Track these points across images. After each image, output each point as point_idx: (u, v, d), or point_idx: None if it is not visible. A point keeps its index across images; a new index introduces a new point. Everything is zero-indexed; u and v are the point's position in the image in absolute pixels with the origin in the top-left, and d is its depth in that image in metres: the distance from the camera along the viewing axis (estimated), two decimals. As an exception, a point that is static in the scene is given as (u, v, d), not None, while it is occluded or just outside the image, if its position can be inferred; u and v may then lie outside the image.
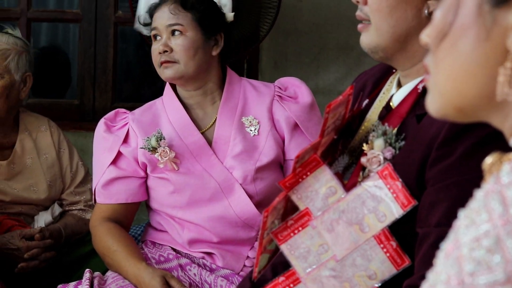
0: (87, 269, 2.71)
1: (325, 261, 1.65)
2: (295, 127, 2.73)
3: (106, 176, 2.74)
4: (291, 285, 1.70)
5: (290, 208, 1.74)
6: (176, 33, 2.66)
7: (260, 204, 2.65)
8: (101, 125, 2.80)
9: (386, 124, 1.70)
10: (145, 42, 3.86)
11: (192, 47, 2.67)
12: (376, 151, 1.67)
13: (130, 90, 5.28)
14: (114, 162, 2.74)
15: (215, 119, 2.74)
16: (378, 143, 1.67)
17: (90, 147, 4.36)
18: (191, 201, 2.68)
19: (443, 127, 1.52)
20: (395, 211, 1.59)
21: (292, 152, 2.69)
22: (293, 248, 1.68)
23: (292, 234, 1.68)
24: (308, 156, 1.71)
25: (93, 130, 4.36)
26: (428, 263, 1.48)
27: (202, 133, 2.73)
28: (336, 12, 4.57)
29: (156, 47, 2.68)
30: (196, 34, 2.68)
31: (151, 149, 2.65)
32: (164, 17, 2.67)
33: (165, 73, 2.67)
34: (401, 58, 1.74)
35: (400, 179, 1.58)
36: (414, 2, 1.67)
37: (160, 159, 2.65)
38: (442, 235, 1.44)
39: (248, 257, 2.70)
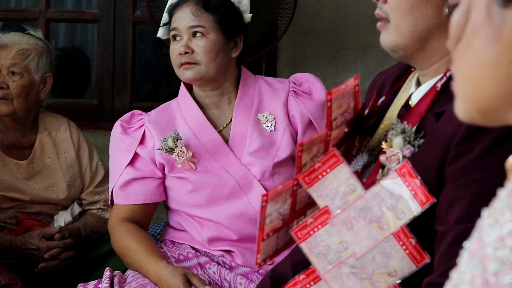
0: (107, 268, 2.71)
1: (345, 259, 1.65)
2: (309, 123, 2.73)
3: (123, 177, 2.75)
4: (312, 283, 1.70)
5: (302, 201, 1.74)
6: (198, 34, 2.66)
7: None
8: (117, 127, 2.80)
9: (405, 122, 1.70)
10: (164, 44, 3.86)
11: (213, 49, 2.66)
12: (395, 149, 1.67)
13: (148, 90, 5.29)
14: (131, 163, 2.74)
15: (231, 119, 2.74)
16: (397, 141, 1.67)
17: (109, 146, 4.39)
18: (210, 199, 2.68)
19: (461, 125, 1.52)
20: (414, 209, 1.59)
21: None
22: (312, 246, 1.68)
23: (311, 232, 1.69)
24: (316, 148, 1.71)
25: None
26: (447, 260, 1.48)
27: (219, 132, 2.74)
28: (355, 11, 4.56)
29: (175, 48, 2.67)
30: (218, 37, 2.68)
31: (168, 149, 2.65)
32: (186, 18, 2.67)
33: (185, 74, 2.66)
34: (421, 57, 1.73)
35: (419, 177, 1.58)
36: (435, 0, 1.66)
37: (177, 159, 2.65)
38: (461, 233, 1.46)
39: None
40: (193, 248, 2.75)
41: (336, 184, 1.67)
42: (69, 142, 3.47)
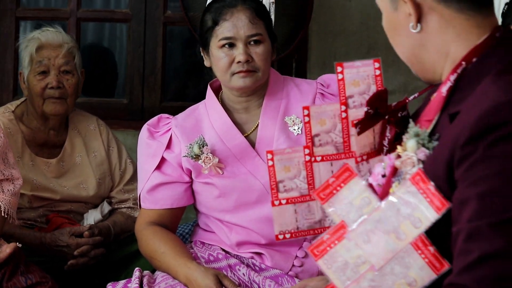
0: (137, 268, 2.71)
1: (363, 273, 1.65)
2: None
3: (151, 182, 2.75)
4: None
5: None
6: (254, 42, 2.64)
7: None
8: (144, 131, 2.80)
9: (418, 125, 1.70)
10: (193, 44, 3.86)
11: (268, 56, 2.68)
12: (410, 153, 1.67)
13: (177, 89, 5.30)
14: (158, 167, 2.74)
15: (258, 123, 2.73)
16: (411, 144, 1.67)
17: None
18: (237, 204, 2.68)
19: (466, 126, 1.54)
20: (430, 216, 1.58)
21: None
22: (330, 263, 1.68)
23: (328, 248, 1.68)
24: (331, 122, 1.76)
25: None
26: (462, 258, 1.49)
27: (246, 136, 2.72)
28: (385, 11, 4.54)
29: (228, 55, 2.63)
30: (268, 42, 2.68)
31: (194, 156, 2.65)
32: (243, 27, 2.63)
33: (242, 82, 2.64)
34: (427, 75, 1.75)
35: (432, 183, 1.58)
36: (402, 24, 1.72)
37: (204, 165, 2.65)
38: (473, 230, 1.48)
39: (296, 256, 2.68)
40: (223, 250, 2.75)
41: (350, 197, 1.67)
42: (98, 140, 3.48)
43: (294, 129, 2.71)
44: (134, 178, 3.50)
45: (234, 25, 2.63)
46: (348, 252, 1.66)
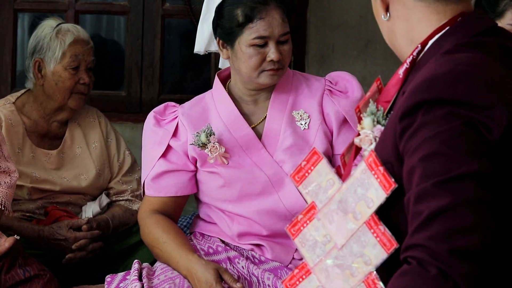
0: (136, 260, 2.71)
1: (329, 251, 1.73)
2: (344, 122, 2.72)
3: (156, 170, 2.74)
4: (304, 277, 1.80)
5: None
6: (283, 40, 2.65)
7: None
8: (150, 118, 2.79)
9: (375, 104, 1.77)
10: (191, 36, 3.84)
11: (291, 52, 2.70)
12: (367, 130, 1.74)
13: (176, 82, 5.30)
14: (163, 155, 2.73)
15: (266, 115, 2.74)
16: (367, 122, 1.75)
17: (137, 138, 4.40)
18: (241, 195, 2.68)
19: (404, 101, 1.62)
20: (380, 195, 1.65)
21: (340, 146, 2.68)
22: (303, 241, 1.79)
23: (301, 228, 1.80)
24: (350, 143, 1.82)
25: (140, 122, 4.40)
26: (414, 220, 1.54)
27: (253, 128, 2.73)
28: (384, 4, 4.53)
29: (260, 53, 2.62)
30: (290, 39, 2.70)
31: (201, 145, 2.65)
32: (278, 26, 2.63)
33: (272, 79, 2.65)
34: (401, 58, 1.83)
35: (382, 164, 1.65)
36: (378, 12, 1.85)
37: (210, 154, 2.65)
38: (421, 192, 1.53)
39: (297, 249, 2.69)
40: (223, 242, 2.75)
41: (319, 180, 1.77)
42: (97, 132, 3.49)
43: (301, 124, 2.72)
44: (132, 169, 3.50)
45: (270, 24, 2.62)
46: (317, 231, 1.76)
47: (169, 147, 2.73)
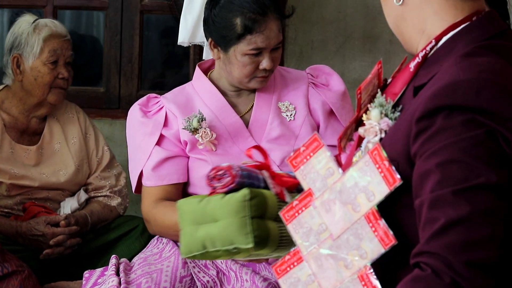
0: (113, 255, 2.71)
1: (323, 240, 1.72)
2: (330, 113, 2.75)
3: (154, 159, 2.70)
4: (295, 263, 1.78)
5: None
6: (276, 48, 2.67)
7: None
8: (136, 110, 2.77)
9: (384, 95, 1.76)
10: (171, 33, 3.84)
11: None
12: (373, 122, 1.73)
13: (155, 78, 5.29)
14: (158, 144, 2.71)
15: (252, 105, 2.75)
16: (374, 113, 1.73)
17: (115, 134, 4.40)
18: None
19: (423, 102, 1.59)
20: (383, 190, 1.63)
21: (328, 138, 2.70)
22: (297, 228, 1.77)
23: (296, 214, 1.77)
24: (350, 131, 1.81)
25: (119, 117, 4.42)
26: (428, 227, 1.53)
27: (240, 117, 2.74)
28: (362, 1, 4.55)
29: (256, 61, 2.64)
30: None
31: (192, 129, 2.65)
32: (275, 37, 2.65)
33: (261, 84, 2.70)
34: (406, 45, 1.82)
35: (388, 159, 1.63)
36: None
37: (200, 139, 2.65)
38: (435, 199, 1.52)
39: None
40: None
41: (318, 167, 1.74)
42: (76, 127, 3.48)
43: (287, 115, 2.74)
44: (110, 165, 3.50)
45: (268, 36, 2.63)
46: (313, 219, 1.74)
47: (162, 137, 2.71)
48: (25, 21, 3.36)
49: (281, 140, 2.71)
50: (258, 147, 2.33)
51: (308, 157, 1.76)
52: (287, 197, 2.20)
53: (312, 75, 2.81)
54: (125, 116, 4.36)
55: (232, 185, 2.14)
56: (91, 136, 3.50)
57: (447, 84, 1.58)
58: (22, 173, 3.33)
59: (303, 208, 1.76)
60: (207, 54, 3.04)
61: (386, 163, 1.63)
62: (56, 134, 3.44)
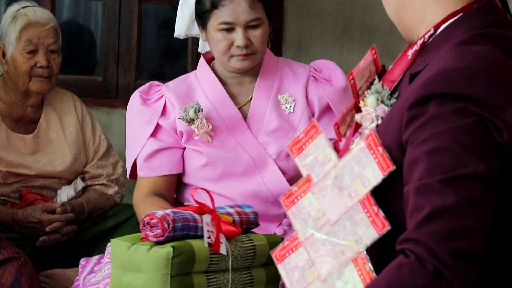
0: (110, 243, 2.71)
1: (321, 226, 1.72)
2: (327, 108, 2.74)
3: (147, 149, 2.70)
4: (294, 249, 1.79)
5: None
6: (253, 26, 2.64)
7: (293, 180, 2.63)
8: (136, 98, 2.76)
9: (381, 82, 1.76)
10: (169, 22, 3.84)
11: (266, 37, 2.68)
12: (369, 108, 1.73)
13: (153, 68, 5.30)
14: (153, 134, 2.70)
15: (252, 97, 2.74)
16: (371, 100, 1.73)
17: (113, 123, 4.40)
18: (223, 175, 2.68)
19: (415, 90, 1.59)
20: (377, 176, 1.64)
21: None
22: (296, 214, 1.78)
23: (295, 200, 1.78)
24: (350, 118, 1.80)
25: (117, 107, 4.42)
26: (415, 215, 1.53)
27: (238, 109, 2.73)
28: (361, -8, 4.55)
29: (227, 38, 2.63)
30: (266, 23, 2.68)
31: (188, 120, 2.64)
32: (243, 12, 2.62)
33: (242, 64, 2.65)
34: (406, 34, 1.80)
35: (382, 145, 1.63)
36: None
37: (196, 130, 2.65)
38: (423, 186, 1.52)
39: (275, 233, 2.70)
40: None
41: (316, 153, 1.75)
42: (73, 116, 3.48)
43: (286, 107, 2.73)
44: (107, 154, 3.50)
45: (234, 11, 2.62)
46: (311, 205, 1.75)
47: (158, 126, 2.70)
48: (11, 10, 3.38)
49: (279, 132, 2.70)
50: (204, 190, 2.37)
51: (306, 143, 1.77)
52: (223, 248, 2.21)
53: (315, 69, 2.80)
54: (123, 105, 4.40)
55: (161, 239, 2.15)
56: (88, 124, 3.50)
57: (440, 72, 1.57)
58: (19, 161, 3.33)
59: (302, 194, 1.77)
60: (203, 46, 3.04)
61: (380, 149, 1.63)
62: (52, 123, 3.44)
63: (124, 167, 3.38)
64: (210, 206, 2.28)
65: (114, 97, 4.50)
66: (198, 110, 2.64)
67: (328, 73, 2.79)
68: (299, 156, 1.79)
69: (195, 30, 2.81)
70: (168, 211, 2.20)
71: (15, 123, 3.39)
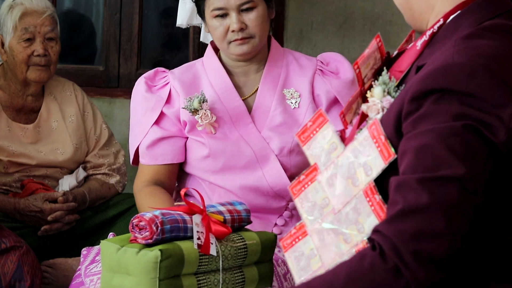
0: (111, 233, 2.71)
1: (326, 214, 1.73)
2: (335, 101, 2.72)
3: (150, 137, 2.70)
4: (300, 237, 1.80)
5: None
6: (247, 8, 2.63)
7: (294, 177, 2.63)
8: (141, 84, 2.74)
9: (388, 74, 1.75)
10: (171, 11, 3.84)
11: (264, 19, 2.66)
12: (376, 99, 1.73)
13: (154, 57, 5.29)
14: (157, 122, 2.70)
15: (257, 88, 2.73)
16: (377, 91, 1.73)
17: (114, 113, 4.40)
18: (225, 167, 2.67)
19: (415, 83, 1.59)
20: (379, 165, 1.64)
21: None
22: (303, 202, 1.79)
23: (303, 189, 1.80)
24: (356, 106, 1.80)
25: (118, 96, 4.43)
26: (391, 208, 1.54)
27: (243, 100, 2.72)
28: (363, -19, 4.55)
29: (222, 24, 2.62)
30: (264, 5, 2.66)
31: (192, 110, 2.63)
32: None
33: (241, 49, 2.64)
34: (415, 23, 1.80)
35: (384, 133, 1.64)
36: None
37: (200, 121, 2.64)
38: (403, 182, 1.53)
39: (276, 224, 2.69)
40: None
41: (322, 142, 1.77)
42: (74, 105, 3.48)
43: (291, 102, 2.72)
44: (109, 143, 3.50)
45: None
46: (317, 193, 1.76)
47: (162, 114, 2.69)
48: (7, 0, 3.38)
49: (283, 128, 2.69)
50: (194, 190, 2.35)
51: (314, 132, 1.79)
52: (213, 249, 2.19)
53: (322, 62, 2.78)
54: (124, 95, 4.41)
55: (150, 241, 2.14)
56: (89, 114, 3.50)
57: (440, 67, 1.57)
58: (20, 151, 3.33)
59: (309, 183, 1.78)
60: (204, 35, 3.04)
61: (383, 137, 1.64)
62: (53, 113, 3.44)
63: (126, 156, 3.40)
64: (201, 205, 2.25)
65: (116, 86, 4.50)
66: (203, 100, 2.63)
67: (336, 65, 2.77)
68: (307, 144, 1.80)
69: (197, 20, 2.81)
70: (157, 212, 2.18)
71: (16, 112, 3.39)
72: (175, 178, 2.79)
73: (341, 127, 1.84)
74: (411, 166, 1.53)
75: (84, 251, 2.70)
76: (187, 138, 2.72)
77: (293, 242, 1.81)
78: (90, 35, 5.18)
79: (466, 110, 1.51)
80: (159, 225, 2.13)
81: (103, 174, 3.47)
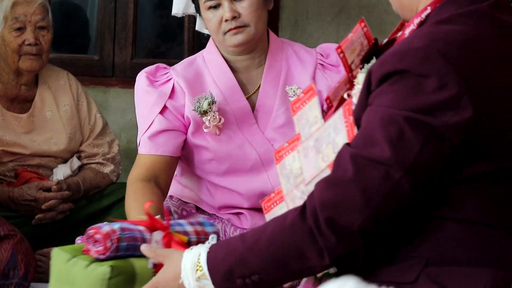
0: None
1: (298, 184, 1.80)
2: None
3: (153, 128, 2.65)
4: (277, 202, 1.89)
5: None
6: None
7: None
8: (142, 79, 2.70)
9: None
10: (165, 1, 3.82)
11: (258, 7, 2.62)
12: (360, 86, 1.75)
13: (149, 46, 5.29)
14: (161, 114, 2.66)
15: (259, 85, 2.70)
16: (361, 77, 1.76)
17: (109, 102, 4.40)
18: (229, 170, 2.66)
19: (378, 62, 1.64)
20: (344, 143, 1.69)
21: None
22: (282, 168, 1.86)
23: (284, 156, 1.87)
24: (343, 91, 1.83)
25: (113, 85, 4.42)
26: (330, 170, 1.64)
27: (247, 98, 2.69)
28: (357, -30, 4.54)
29: (216, 15, 2.60)
30: None
31: (202, 112, 2.60)
32: None
33: (236, 39, 2.60)
34: (403, 12, 1.80)
35: (353, 114, 1.68)
36: None
37: (207, 123, 2.61)
38: (340, 152, 1.61)
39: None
40: (198, 208, 2.73)
41: (308, 114, 1.82)
42: (68, 95, 3.47)
43: None
44: (103, 132, 3.50)
45: None
46: (294, 162, 1.83)
47: (165, 108, 2.66)
48: None
49: (286, 128, 2.65)
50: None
51: (304, 103, 1.84)
52: None
53: (322, 55, 2.75)
54: (119, 84, 4.40)
55: (102, 257, 2.00)
56: (83, 103, 3.50)
57: (398, 51, 1.61)
58: (14, 140, 3.33)
59: (290, 151, 1.85)
60: (200, 25, 3.04)
61: (351, 118, 1.68)
62: (47, 102, 3.44)
63: (121, 146, 3.41)
64: (164, 222, 2.08)
65: (110, 75, 4.48)
66: (212, 102, 2.61)
67: (336, 57, 2.73)
68: (297, 114, 1.85)
69: (192, 8, 2.79)
70: (116, 226, 2.04)
71: (10, 102, 3.39)
72: (172, 174, 2.73)
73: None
74: (354, 138, 1.61)
75: (78, 240, 2.71)
76: (186, 134, 2.69)
77: (272, 206, 1.90)
78: (85, 24, 5.18)
79: (414, 96, 1.55)
80: (115, 241, 2.00)
81: (97, 163, 3.47)
